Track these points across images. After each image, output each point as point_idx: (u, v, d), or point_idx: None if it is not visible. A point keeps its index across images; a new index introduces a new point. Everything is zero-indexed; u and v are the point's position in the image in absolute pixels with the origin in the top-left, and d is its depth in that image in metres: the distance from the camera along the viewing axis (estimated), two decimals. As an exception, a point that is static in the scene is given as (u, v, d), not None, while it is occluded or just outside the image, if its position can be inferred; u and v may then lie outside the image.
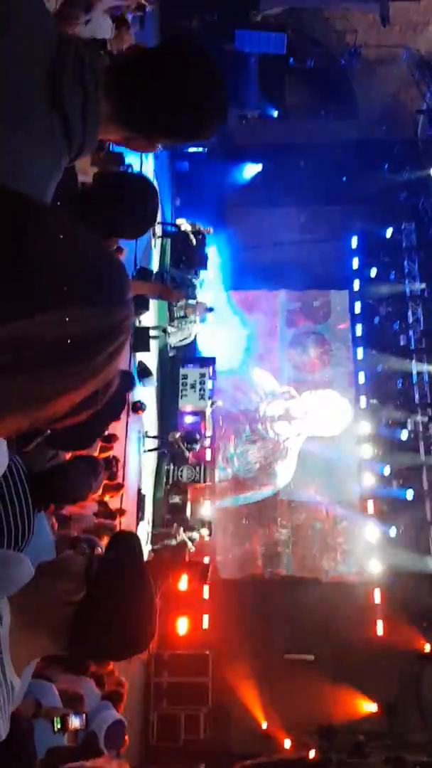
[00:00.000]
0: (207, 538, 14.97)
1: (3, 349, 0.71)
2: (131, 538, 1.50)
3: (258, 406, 17.92)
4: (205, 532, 14.74)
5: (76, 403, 0.83)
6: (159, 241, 15.66)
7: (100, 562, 1.39)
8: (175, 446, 14.65)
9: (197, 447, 15.01)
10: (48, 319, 0.72)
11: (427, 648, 15.14)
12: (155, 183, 14.36)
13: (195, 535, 14.20)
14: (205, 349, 17.31)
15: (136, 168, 11.82)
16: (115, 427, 8.72)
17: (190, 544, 14.02)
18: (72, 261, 0.78)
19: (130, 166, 7.40)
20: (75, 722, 2.60)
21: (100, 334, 0.78)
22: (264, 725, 14.30)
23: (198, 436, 14.93)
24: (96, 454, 6.73)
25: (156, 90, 1.42)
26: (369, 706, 14.56)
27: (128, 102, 1.42)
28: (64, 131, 1.30)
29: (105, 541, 6.66)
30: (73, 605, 1.32)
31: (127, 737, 5.50)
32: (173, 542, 14.00)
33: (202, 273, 16.36)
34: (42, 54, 1.28)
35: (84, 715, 2.68)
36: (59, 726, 2.54)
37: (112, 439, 8.42)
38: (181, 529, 14.10)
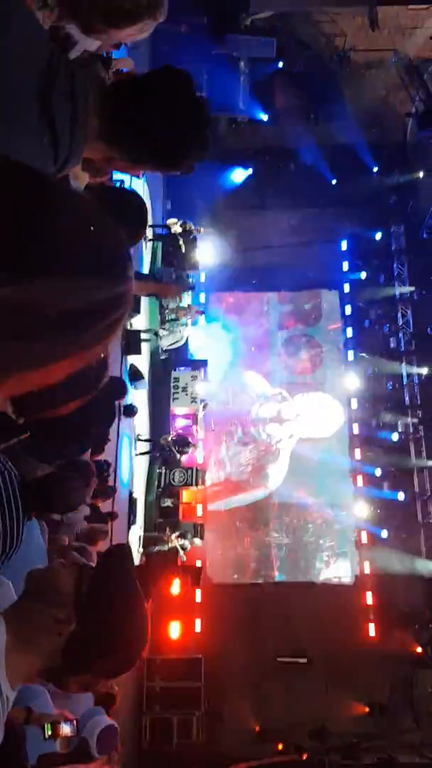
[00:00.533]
0: (200, 543, 14.94)
1: (1, 311, 0.71)
2: (121, 554, 1.49)
3: (250, 409, 17.93)
4: (198, 542, 14.69)
5: (73, 380, 0.83)
6: (150, 245, 15.66)
7: (89, 581, 1.39)
8: (167, 449, 14.64)
9: (189, 450, 15.01)
10: (48, 285, 0.73)
11: (418, 650, 15.18)
12: (146, 187, 14.40)
13: (186, 543, 14.14)
14: (196, 352, 17.33)
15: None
16: (107, 430, 8.69)
17: (181, 552, 13.97)
18: (76, 230, 0.79)
19: (122, 181, 7.42)
20: (65, 729, 2.60)
21: (98, 305, 0.78)
22: (257, 728, 14.30)
23: (190, 440, 14.92)
24: (87, 457, 6.71)
25: (143, 118, 1.49)
26: (361, 708, 14.58)
27: (115, 125, 1.47)
28: (52, 142, 1.32)
29: (97, 545, 6.65)
30: (64, 634, 1.32)
31: (119, 742, 5.49)
32: (165, 548, 13.96)
33: (193, 276, 16.39)
34: (36, 64, 1.30)
35: (75, 722, 2.67)
36: (50, 733, 2.54)
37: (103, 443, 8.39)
38: (174, 535, 14.05)
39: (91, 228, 0.82)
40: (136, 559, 13.65)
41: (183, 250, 15.52)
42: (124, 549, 1.53)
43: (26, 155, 1.28)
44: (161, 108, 1.49)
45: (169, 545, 13.92)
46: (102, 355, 0.96)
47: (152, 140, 1.50)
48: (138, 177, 12.05)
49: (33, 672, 1.37)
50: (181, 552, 13.98)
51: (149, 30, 1.92)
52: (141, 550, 13.88)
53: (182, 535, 14.21)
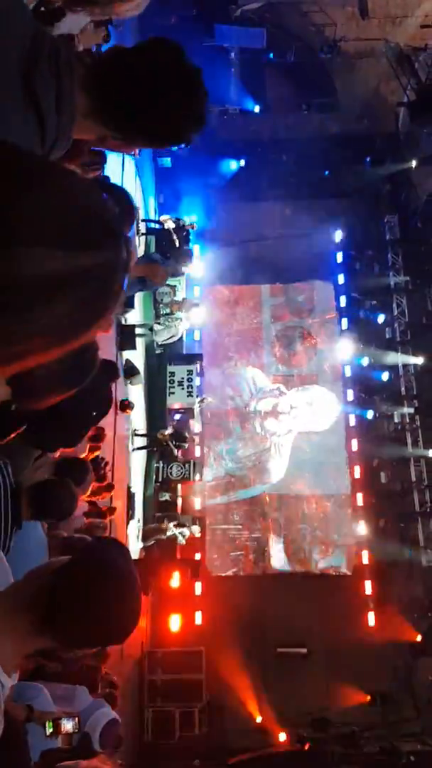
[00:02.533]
0: (197, 534, 14.98)
1: None
2: (108, 542, 1.51)
3: (248, 403, 17.94)
4: (196, 529, 14.74)
5: (65, 368, 0.82)
6: (143, 239, 15.62)
7: (86, 543, 1.40)
8: (164, 444, 14.64)
9: (186, 445, 15.01)
10: (29, 253, 0.71)
11: (418, 638, 15.25)
12: (138, 180, 14.34)
13: (185, 531, 14.20)
14: (192, 346, 17.33)
15: (118, 164, 11.78)
16: (104, 425, 8.69)
17: (180, 538, 14.02)
18: (60, 196, 0.77)
19: (107, 178, 7.37)
20: (67, 726, 2.61)
21: (86, 272, 0.75)
22: (258, 719, 14.36)
23: (187, 435, 14.91)
24: (85, 454, 6.71)
25: (132, 90, 1.41)
26: (362, 698, 14.66)
27: (104, 100, 1.41)
28: (38, 124, 1.29)
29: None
30: (51, 574, 1.33)
31: (122, 736, 5.51)
32: (163, 537, 14.00)
33: (187, 269, 16.34)
34: (18, 44, 1.27)
35: (76, 719, 2.68)
36: (51, 729, 2.55)
37: (100, 437, 8.38)
38: (172, 524, 14.09)
39: (76, 195, 0.80)
40: (136, 553, 13.69)
41: (177, 245, 15.49)
42: (110, 539, 1.54)
43: (10, 136, 1.25)
44: (151, 79, 1.42)
45: (168, 534, 13.97)
46: (93, 341, 0.94)
47: (143, 114, 1.43)
48: (133, 156, 11.92)
49: (22, 643, 1.36)
50: (181, 538, 14.03)
51: (144, 5, 1.87)
52: (141, 543, 13.92)
53: (180, 524, 14.25)
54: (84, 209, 0.79)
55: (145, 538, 14.04)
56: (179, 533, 13.98)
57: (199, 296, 17.93)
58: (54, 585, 1.33)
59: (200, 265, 17.75)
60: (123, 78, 1.41)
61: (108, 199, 0.83)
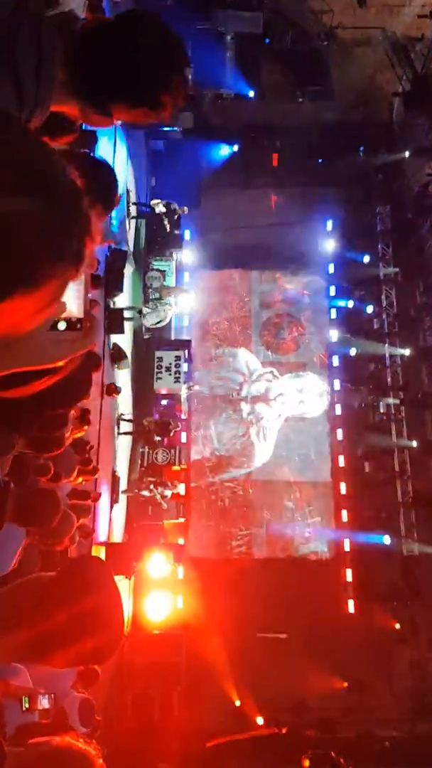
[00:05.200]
0: (182, 492, 15.09)
1: None
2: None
3: (241, 385, 17.95)
4: (181, 487, 14.91)
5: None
6: (134, 222, 15.53)
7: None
8: (149, 431, 14.65)
9: (171, 434, 15.01)
10: None
11: (397, 626, 15.44)
12: (129, 164, 14.21)
13: (167, 492, 14.29)
14: (180, 332, 17.31)
15: (110, 146, 11.69)
16: (90, 408, 8.67)
17: (161, 500, 14.14)
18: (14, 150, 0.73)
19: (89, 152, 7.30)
20: (43, 702, 2.63)
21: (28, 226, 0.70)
22: (237, 703, 14.51)
23: (171, 425, 14.87)
24: (68, 434, 6.69)
25: (108, 60, 1.40)
26: (340, 683, 14.83)
27: (81, 69, 1.40)
28: (15, 93, 1.27)
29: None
30: (37, 590, 1.33)
31: (100, 718, 5.55)
32: (146, 494, 14.17)
33: (177, 254, 16.30)
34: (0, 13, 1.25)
35: (52, 696, 2.70)
36: (27, 705, 2.58)
37: (85, 419, 8.36)
38: (152, 485, 14.19)
39: (19, 145, 0.75)
40: (121, 536, 13.72)
41: (167, 229, 15.42)
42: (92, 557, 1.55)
43: None
44: (128, 49, 1.40)
45: (148, 494, 14.14)
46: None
47: (121, 83, 1.41)
48: (128, 134, 11.73)
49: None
50: (161, 500, 14.14)
51: None
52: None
53: (160, 484, 14.34)
54: (20, 156, 0.74)
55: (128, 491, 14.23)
56: (158, 493, 14.05)
57: (188, 282, 17.89)
58: (39, 605, 1.34)
59: (190, 250, 17.69)
60: (101, 49, 1.40)
61: (65, 165, 0.78)
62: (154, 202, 15.55)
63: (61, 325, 0.98)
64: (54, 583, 1.38)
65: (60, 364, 1.01)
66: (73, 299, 0.98)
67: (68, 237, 0.76)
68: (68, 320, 0.98)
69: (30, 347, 0.91)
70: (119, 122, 1.57)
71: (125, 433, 14.40)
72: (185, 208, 15.80)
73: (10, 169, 0.71)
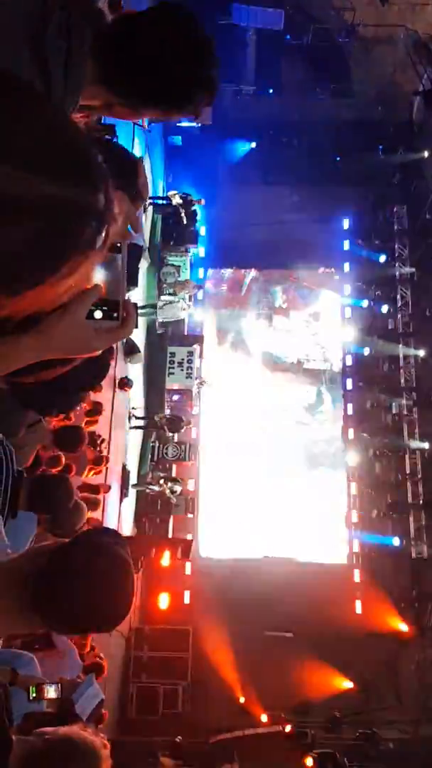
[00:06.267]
0: (191, 488, 15.22)
1: None
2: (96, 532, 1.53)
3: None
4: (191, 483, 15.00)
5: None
6: (150, 215, 15.54)
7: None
8: (160, 427, 14.67)
9: (182, 430, 15.02)
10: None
11: (404, 628, 15.38)
12: (148, 157, 14.20)
13: (177, 487, 14.35)
14: (193, 328, 17.31)
15: (128, 141, 11.68)
16: (102, 401, 8.70)
17: (170, 495, 14.21)
18: (33, 125, 0.73)
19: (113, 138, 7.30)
20: (50, 691, 2.64)
21: (23, 200, 0.70)
22: (242, 700, 14.51)
23: (183, 421, 14.88)
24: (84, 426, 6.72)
25: (140, 55, 1.40)
26: (345, 684, 14.79)
27: (111, 64, 1.39)
28: (45, 85, 1.28)
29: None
30: (47, 555, 1.33)
31: (105, 711, 5.57)
32: (155, 488, 14.31)
33: (192, 249, 16.30)
34: (28, 4, 1.25)
35: (60, 685, 2.71)
36: (34, 694, 2.59)
37: (97, 411, 8.40)
38: (162, 480, 14.25)
39: (61, 130, 0.76)
40: (129, 530, 13.76)
41: (184, 222, 15.41)
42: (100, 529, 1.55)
43: None
44: (158, 45, 1.40)
45: (157, 488, 14.27)
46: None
47: (149, 79, 1.41)
48: (141, 128, 11.79)
49: (12, 632, 1.38)
50: (170, 494, 14.22)
51: None
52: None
53: (171, 479, 14.41)
54: (65, 144, 0.75)
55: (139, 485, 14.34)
56: (169, 489, 14.12)
57: (203, 277, 17.88)
58: (48, 566, 1.33)
59: (205, 246, 17.68)
60: (131, 44, 1.40)
61: (94, 148, 0.79)
62: (171, 193, 15.55)
63: (98, 314, 0.98)
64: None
65: (97, 353, 1.01)
66: (109, 285, 0.98)
67: (100, 221, 0.77)
68: (105, 309, 0.98)
69: (69, 336, 0.92)
70: (145, 120, 1.57)
71: (136, 427, 14.43)
72: (202, 199, 15.79)
73: (51, 150, 0.72)
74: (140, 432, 14.95)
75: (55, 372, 1.08)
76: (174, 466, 15.46)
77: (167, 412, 15.33)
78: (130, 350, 13.06)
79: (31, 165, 0.69)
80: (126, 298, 1.02)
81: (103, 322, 0.99)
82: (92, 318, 0.97)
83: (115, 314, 1.00)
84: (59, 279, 0.75)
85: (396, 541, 16.04)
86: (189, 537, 15.27)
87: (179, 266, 15.62)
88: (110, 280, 0.99)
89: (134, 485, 14.04)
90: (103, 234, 0.77)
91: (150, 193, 15.18)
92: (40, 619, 1.37)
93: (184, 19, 1.46)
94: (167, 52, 1.42)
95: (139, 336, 13.88)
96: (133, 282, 12.67)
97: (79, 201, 0.73)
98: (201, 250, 17.54)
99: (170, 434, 14.78)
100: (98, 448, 8.85)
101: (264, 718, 14.31)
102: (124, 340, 12.73)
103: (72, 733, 1.57)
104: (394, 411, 17.09)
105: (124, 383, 12.24)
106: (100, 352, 1.02)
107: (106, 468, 9.53)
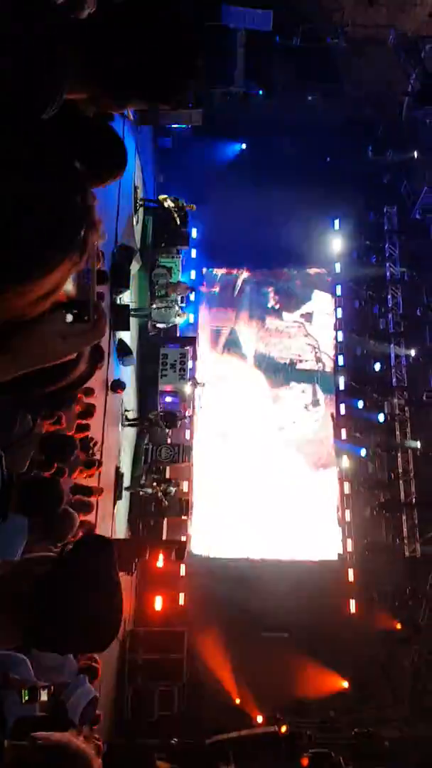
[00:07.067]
0: (185, 489, 15.17)
1: None
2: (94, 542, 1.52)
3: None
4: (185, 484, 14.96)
5: None
6: (141, 218, 15.52)
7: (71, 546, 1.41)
8: (155, 423, 14.64)
9: (178, 424, 15.04)
10: None
11: (398, 626, 15.41)
12: (137, 158, 14.16)
13: (171, 489, 14.34)
14: (186, 329, 17.31)
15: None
16: (94, 403, 8.69)
17: (164, 497, 14.20)
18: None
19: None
20: (44, 695, 2.64)
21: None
22: (237, 701, 14.51)
23: (178, 415, 14.92)
24: (72, 432, 6.71)
25: (120, 45, 1.38)
26: (341, 683, 14.82)
27: (93, 55, 1.39)
28: (27, 85, 1.27)
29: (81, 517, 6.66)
30: (37, 577, 1.33)
31: (100, 713, 5.55)
32: (148, 491, 14.24)
33: (183, 251, 16.30)
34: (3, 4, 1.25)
35: (51, 688, 2.71)
36: (27, 698, 2.58)
37: (89, 413, 8.39)
38: (155, 482, 14.23)
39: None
40: (123, 532, 13.73)
41: (175, 225, 15.40)
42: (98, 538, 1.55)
43: None
44: (140, 35, 1.38)
45: (151, 491, 14.20)
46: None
47: (132, 71, 1.39)
48: (125, 116, 11.77)
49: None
50: (163, 496, 14.22)
51: None
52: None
53: (164, 481, 14.38)
54: (33, 141, 0.77)
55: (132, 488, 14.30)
56: (162, 491, 14.10)
57: (194, 279, 17.88)
58: (36, 594, 1.33)
59: (197, 248, 17.68)
60: (112, 34, 1.39)
61: (66, 148, 0.79)
62: (162, 196, 15.52)
63: (69, 317, 0.98)
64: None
65: (72, 357, 1.02)
66: (79, 287, 0.99)
67: (75, 226, 0.76)
68: (75, 313, 0.99)
69: (39, 349, 0.93)
70: (131, 112, 1.57)
71: (131, 424, 14.41)
72: (193, 206, 15.79)
73: (23, 151, 0.74)
74: (133, 434, 14.93)
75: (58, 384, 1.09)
76: (167, 468, 15.44)
77: (161, 409, 15.35)
78: (123, 352, 13.04)
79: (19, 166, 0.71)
80: (95, 300, 1.02)
81: (74, 325, 0.99)
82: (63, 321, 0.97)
83: (86, 317, 1.01)
84: (40, 279, 0.75)
85: (389, 540, 16.05)
86: (183, 539, 15.26)
87: (171, 268, 15.62)
88: (80, 282, 0.99)
89: (127, 488, 14.01)
90: (85, 240, 0.78)
91: (141, 195, 15.20)
92: (22, 639, 1.38)
93: (165, 6, 1.44)
94: (148, 40, 1.40)
95: (131, 338, 13.86)
96: (124, 284, 12.66)
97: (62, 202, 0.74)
98: (193, 252, 17.54)
99: (166, 429, 14.75)
100: (91, 451, 8.83)
101: (259, 718, 14.31)
102: (116, 342, 12.72)
103: (64, 739, 1.58)
104: (386, 410, 17.14)
105: (117, 385, 12.21)
106: (75, 354, 1.02)
107: (99, 471, 9.50)
